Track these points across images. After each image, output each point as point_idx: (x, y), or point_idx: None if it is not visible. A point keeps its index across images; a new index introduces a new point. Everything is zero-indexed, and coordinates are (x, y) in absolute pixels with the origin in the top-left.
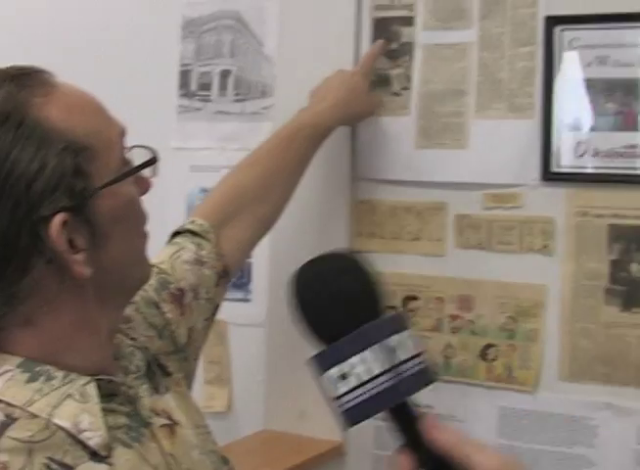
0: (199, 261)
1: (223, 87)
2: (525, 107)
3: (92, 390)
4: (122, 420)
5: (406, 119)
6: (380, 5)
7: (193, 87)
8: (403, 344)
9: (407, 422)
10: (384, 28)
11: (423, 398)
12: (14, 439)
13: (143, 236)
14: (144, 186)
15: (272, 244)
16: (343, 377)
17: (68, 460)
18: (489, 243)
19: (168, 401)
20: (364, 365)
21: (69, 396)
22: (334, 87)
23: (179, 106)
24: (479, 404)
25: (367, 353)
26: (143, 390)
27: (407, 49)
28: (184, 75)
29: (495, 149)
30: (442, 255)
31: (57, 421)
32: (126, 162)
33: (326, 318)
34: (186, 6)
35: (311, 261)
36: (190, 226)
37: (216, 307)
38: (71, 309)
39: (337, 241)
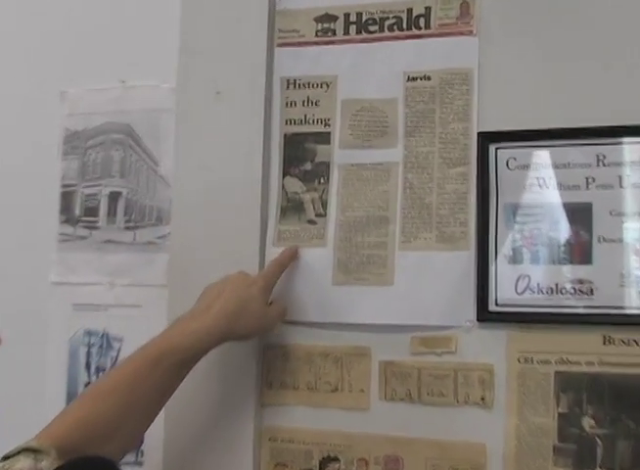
0: None
1: (112, 212)
2: (458, 236)
3: None
4: None
5: (322, 251)
6: (291, 119)
7: (77, 212)
8: None
9: None
10: (296, 146)
11: None
12: None
13: None
14: None
15: (167, 409)
16: None
17: None
18: (419, 394)
19: None
20: None
21: None
22: (224, 296)
23: (60, 234)
24: None
25: None
26: None
27: (323, 170)
28: (66, 198)
29: (424, 285)
30: (366, 408)
31: None
32: None
33: None
34: (68, 117)
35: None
36: (27, 445)
37: None
38: None
39: (244, 393)
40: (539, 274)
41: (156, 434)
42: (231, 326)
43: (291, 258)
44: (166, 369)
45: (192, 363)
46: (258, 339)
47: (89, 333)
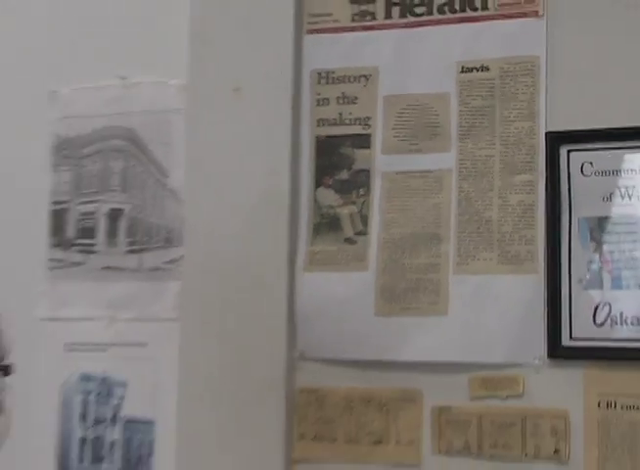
0: None
1: (112, 233)
2: (524, 257)
3: None
4: None
5: (363, 276)
6: (324, 119)
7: (70, 233)
8: None
9: None
10: (330, 151)
11: None
12: None
13: None
14: None
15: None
16: None
17: None
18: (480, 446)
19: None
20: None
21: None
22: None
23: (50, 260)
24: None
25: None
26: None
27: (362, 179)
28: (57, 217)
29: (485, 315)
30: (417, 464)
31: None
32: None
33: None
34: (59, 121)
35: None
36: None
37: None
38: None
39: (271, 446)
40: (623, 302)
41: None
42: None
43: None
44: None
45: None
46: (288, 380)
47: (86, 377)
